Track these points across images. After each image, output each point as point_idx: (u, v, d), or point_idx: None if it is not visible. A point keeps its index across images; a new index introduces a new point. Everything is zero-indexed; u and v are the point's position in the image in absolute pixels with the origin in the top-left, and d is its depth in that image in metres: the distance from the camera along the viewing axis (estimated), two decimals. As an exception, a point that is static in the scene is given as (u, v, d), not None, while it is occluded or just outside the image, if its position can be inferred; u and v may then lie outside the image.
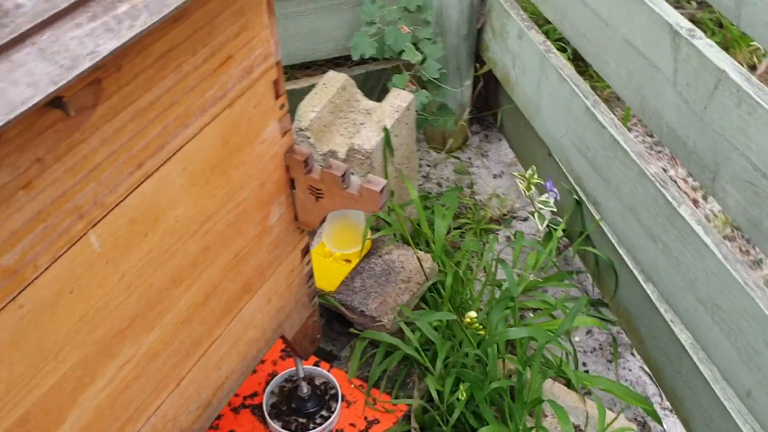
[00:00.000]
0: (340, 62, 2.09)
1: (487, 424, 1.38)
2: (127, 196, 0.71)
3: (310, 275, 1.14)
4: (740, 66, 1.13)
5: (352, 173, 1.55)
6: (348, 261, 1.54)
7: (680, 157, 1.29)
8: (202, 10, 0.69)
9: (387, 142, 1.53)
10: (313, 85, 1.68)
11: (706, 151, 1.21)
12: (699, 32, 1.21)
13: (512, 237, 1.98)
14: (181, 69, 0.71)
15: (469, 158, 2.20)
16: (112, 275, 0.73)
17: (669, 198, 1.32)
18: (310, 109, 1.55)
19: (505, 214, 2.02)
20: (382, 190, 0.93)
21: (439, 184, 2.12)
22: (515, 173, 1.85)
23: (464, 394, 1.27)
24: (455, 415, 1.33)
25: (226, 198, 0.87)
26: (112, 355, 0.80)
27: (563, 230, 1.72)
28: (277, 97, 0.88)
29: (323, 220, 1.02)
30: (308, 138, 1.53)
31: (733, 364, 1.25)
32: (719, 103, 1.15)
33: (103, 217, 0.69)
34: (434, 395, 1.36)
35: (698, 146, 1.23)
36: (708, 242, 1.25)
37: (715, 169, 1.20)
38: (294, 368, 1.41)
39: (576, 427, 1.48)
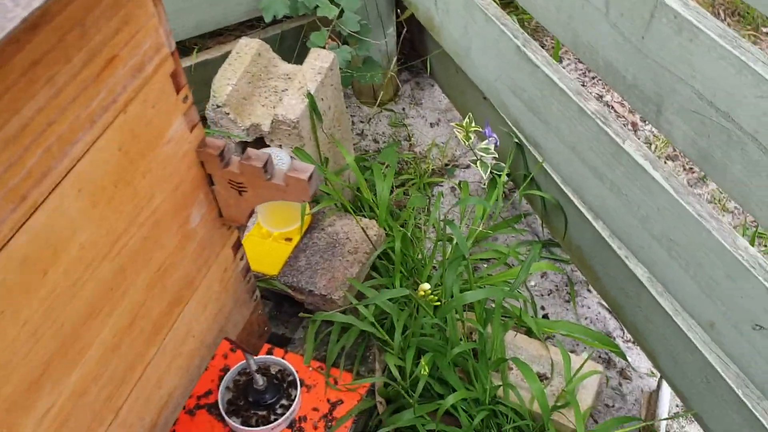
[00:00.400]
0: (253, 24, 1.96)
1: (454, 389, 1.34)
2: (13, 235, 0.61)
3: (247, 270, 1.05)
4: (674, -10, 1.06)
5: (280, 145, 1.46)
6: (289, 239, 1.45)
7: (620, 91, 1.23)
8: (68, 11, 0.59)
9: (313, 107, 1.44)
10: (227, 54, 1.56)
11: (648, 84, 1.15)
12: (628, -43, 1.13)
13: (457, 187, 1.91)
14: (55, 81, 0.61)
15: (403, 109, 2.11)
16: (10, 326, 0.64)
17: (612, 135, 1.27)
18: (225, 83, 1.43)
19: (447, 164, 1.95)
20: (310, 177, 0.84)
21: (376, 140, 2.03)
22: (453, 122, 1.77)
23: (427, 368, 1.21)
24: (420, 386, 1.28)
25: (136, 211, 0.77)
26: (30, 406, 0.71)
27: (507, 175, 1.66)
28: (178, 90, 0.78)
29: (251, 214, 0.93)
30: (227, 114, 1.42)
31: (694, 298, 1.22)
32: (657, 33, 1.08)
33: (-13, 265, 0.59)
34: (395, 372, 1.30)
35: (639, 79, 1.17)
36: (657, 177, 1.20)
37: (658, 101, 1.14)
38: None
39: (542, 375, 1.44)
